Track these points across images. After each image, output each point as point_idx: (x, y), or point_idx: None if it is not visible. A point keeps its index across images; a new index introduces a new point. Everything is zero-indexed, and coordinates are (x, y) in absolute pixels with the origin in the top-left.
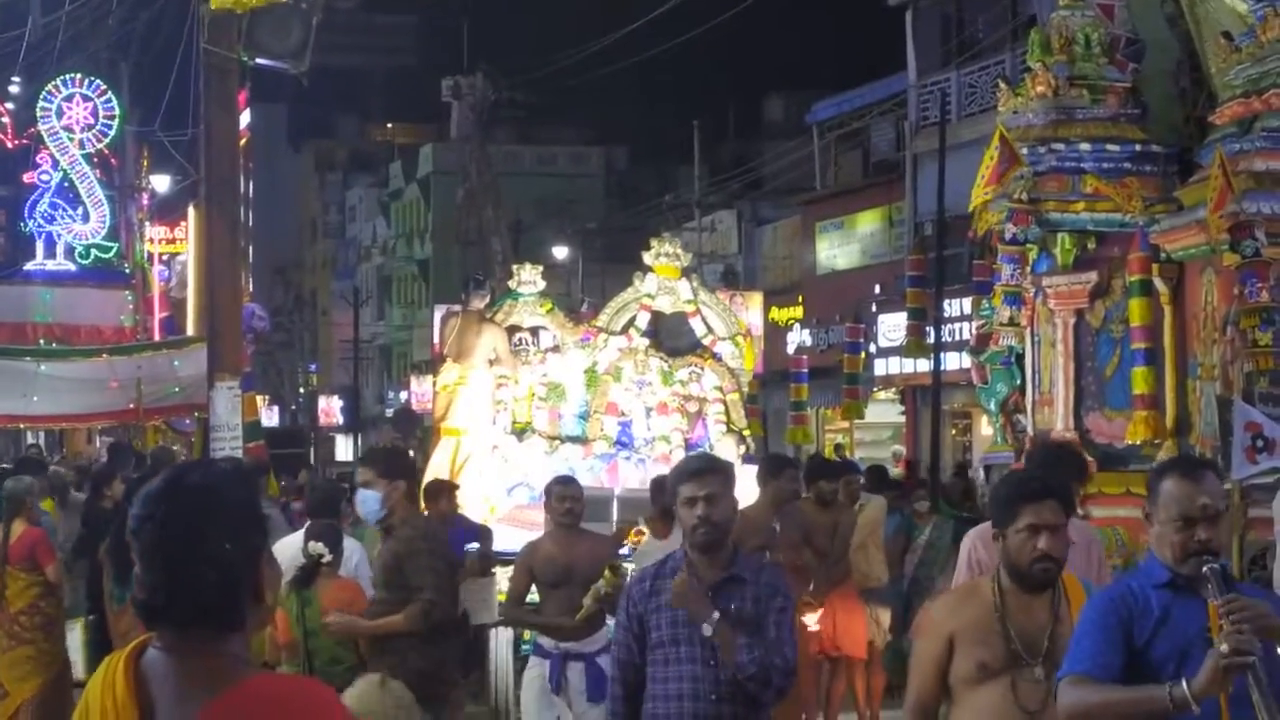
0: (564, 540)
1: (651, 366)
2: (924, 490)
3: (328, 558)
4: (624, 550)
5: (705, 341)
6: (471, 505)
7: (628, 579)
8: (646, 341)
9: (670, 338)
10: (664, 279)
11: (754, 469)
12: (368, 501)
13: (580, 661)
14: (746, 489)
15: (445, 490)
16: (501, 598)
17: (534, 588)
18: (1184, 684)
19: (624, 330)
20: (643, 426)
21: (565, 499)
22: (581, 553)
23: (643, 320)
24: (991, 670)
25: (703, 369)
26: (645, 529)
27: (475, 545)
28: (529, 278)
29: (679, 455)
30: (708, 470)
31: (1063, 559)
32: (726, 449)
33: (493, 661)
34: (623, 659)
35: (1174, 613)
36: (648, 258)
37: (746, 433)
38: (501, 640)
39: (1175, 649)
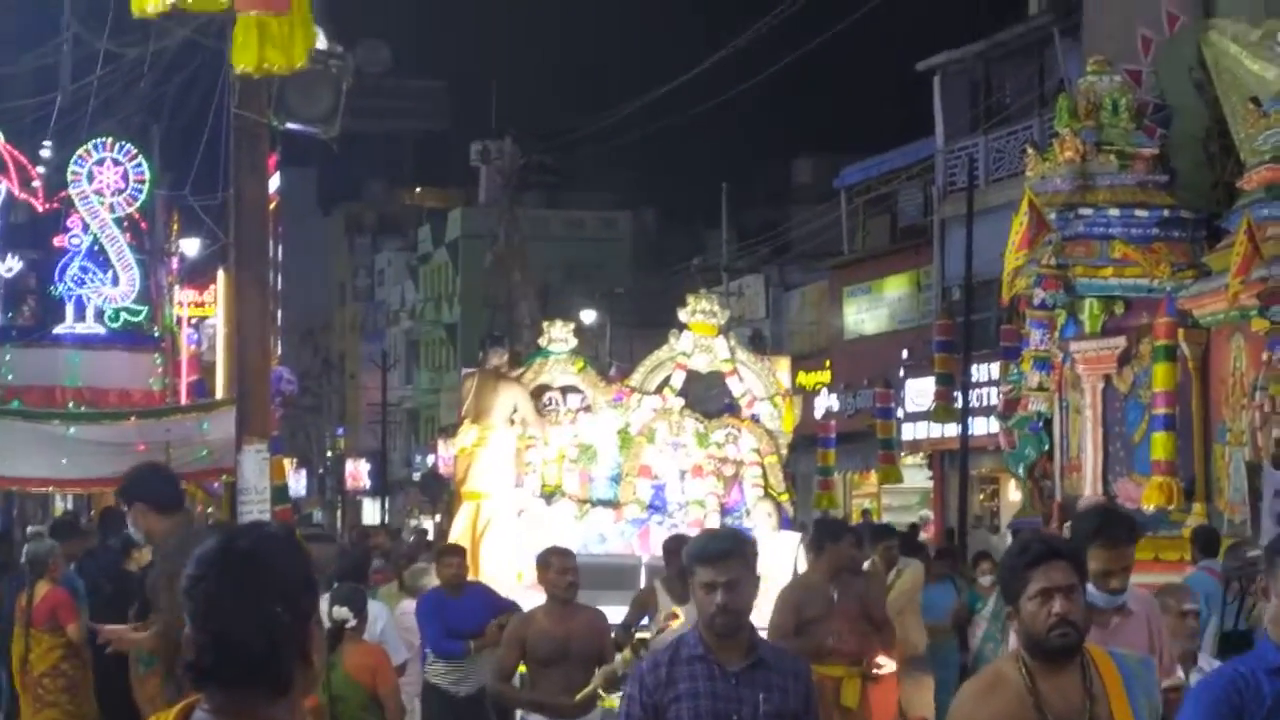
0: (560, 614)
1: (686, 428)
2: (989, 564)
3: (352, 622)
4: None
5: (743, 402)
6: (497, 572)
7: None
8: (681, 401)
9: (697, 402)
10: (700, 336)
11: (787, 536)
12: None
13: None
14: (779, 557)
15: (449, 554)
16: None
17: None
18: None
19: (658, 390)
20: (677, 490)
21: (566, 571)
22: (579, 627)
23: (678, 380)
24: None
25: (740, 430)
26: (673, 607)
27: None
28: (560, 335)
29: (714, 520)
30: (729, 555)
31: (1083, 623)
32: (762, 514)
33: None
34: None
35: None
36: (683, 314)
37: (784, 498)
38: None
39: None
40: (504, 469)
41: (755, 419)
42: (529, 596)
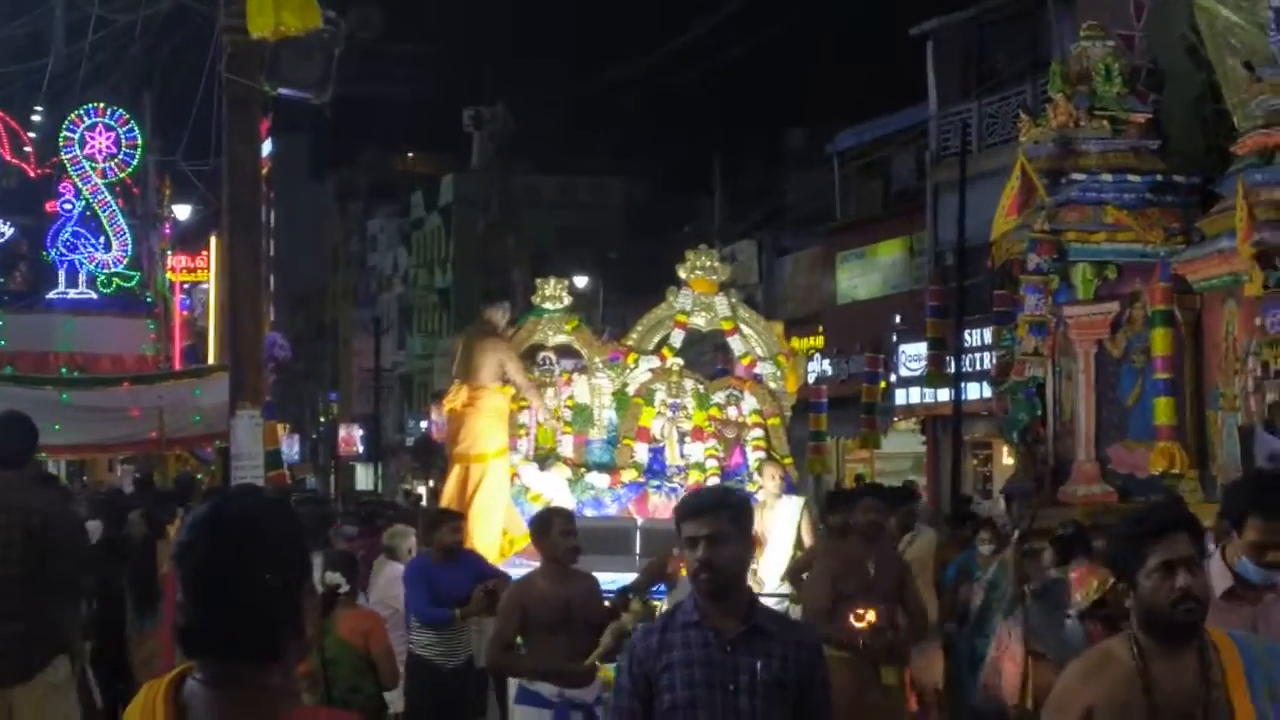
0: (560, 578)
1: (686, 389)
2: (989, 533)
3: (345, 588)
4: (660, 587)
5: (744, 362)
6: (487, 537)
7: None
8: (681, 361)
9: (688, 366)
10: (700, 294)
11: (792, 500)
12: None
13: (580, 711)
14: (784, 521)
15: (443, 520)
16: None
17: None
18: None
19: (656, 349)
20: (675, 453)
21: (569, 533)
22: (580, 592)
23: (677, 339)
24: None
25: (742, 391)
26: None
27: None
28: (553, 293)
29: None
30: (711, 507)
31: (1206, 599)
32: (769, 477)
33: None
34: None
35: None
36: (682, 271)
37: (787, 461)
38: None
39: None
40: (494, 430)
41: (758, 379)
42: (518, 563)
